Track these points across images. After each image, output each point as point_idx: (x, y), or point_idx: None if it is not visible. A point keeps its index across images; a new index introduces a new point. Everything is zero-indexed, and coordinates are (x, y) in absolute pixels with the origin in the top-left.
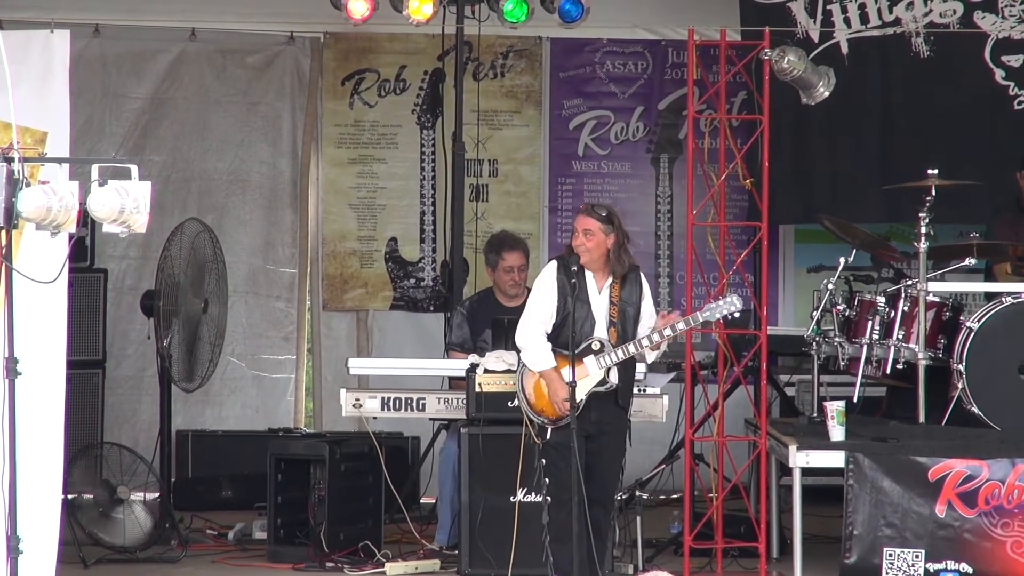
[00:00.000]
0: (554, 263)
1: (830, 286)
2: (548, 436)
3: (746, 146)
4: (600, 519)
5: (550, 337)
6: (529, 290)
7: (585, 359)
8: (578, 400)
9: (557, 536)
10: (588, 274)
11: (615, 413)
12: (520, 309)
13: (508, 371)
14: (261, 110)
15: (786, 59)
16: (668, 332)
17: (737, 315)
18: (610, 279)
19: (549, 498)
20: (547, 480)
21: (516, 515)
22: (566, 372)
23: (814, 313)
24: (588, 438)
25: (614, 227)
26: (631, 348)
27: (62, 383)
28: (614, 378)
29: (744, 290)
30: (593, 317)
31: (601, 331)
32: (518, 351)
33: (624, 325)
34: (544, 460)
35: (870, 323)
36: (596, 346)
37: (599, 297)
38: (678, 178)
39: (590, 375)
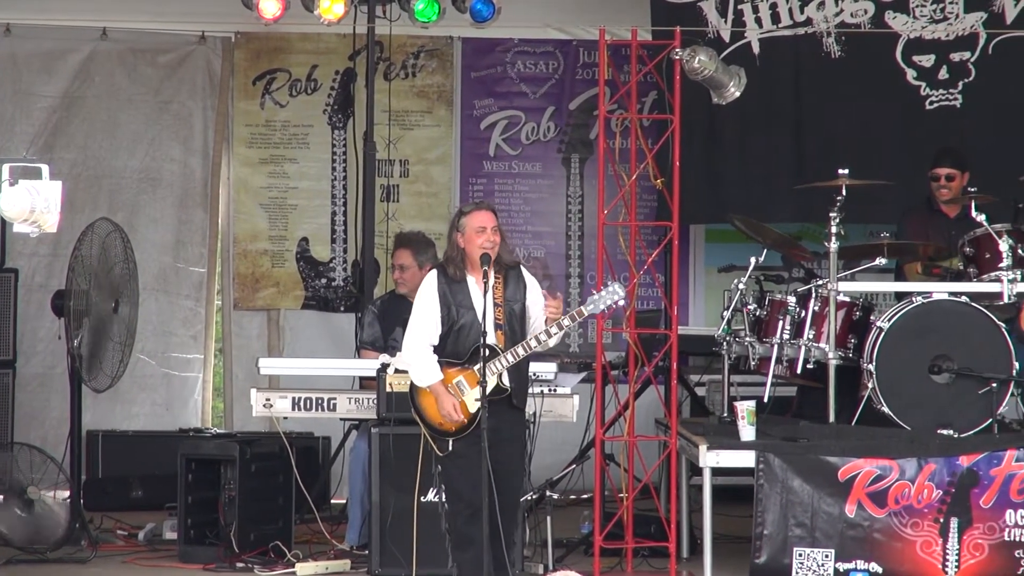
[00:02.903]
0: (434, 273)
1: (741, 286)
2: (451, 447)
3: (657, 146)
4: (508, 526)
5: (437, 348)
6: None
7: (475, 367)
8: (472, 411)
9: (457, 544)
10: (470, 279)
11: (512, 418)
12: None
13: None
14: (173, 109)
15: (697, 59)
16: (554, 330)
17: (621, 303)
18: (491, 280)
19: (447, 505)
20: (443, 487)
21: (415, 514)
22: (459, 382)
23: (725, 313)
24: (488, 446)
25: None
26: (520, 351)
27: None
28: (507, 382)
29: (655, 290)
30: (480, 322)
31: (489, 336)
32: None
33: (512, 325)
34: (440, 467)
35: (781, 323)
36: (485, 352)
37: (483, 301)
38: (589, 178)
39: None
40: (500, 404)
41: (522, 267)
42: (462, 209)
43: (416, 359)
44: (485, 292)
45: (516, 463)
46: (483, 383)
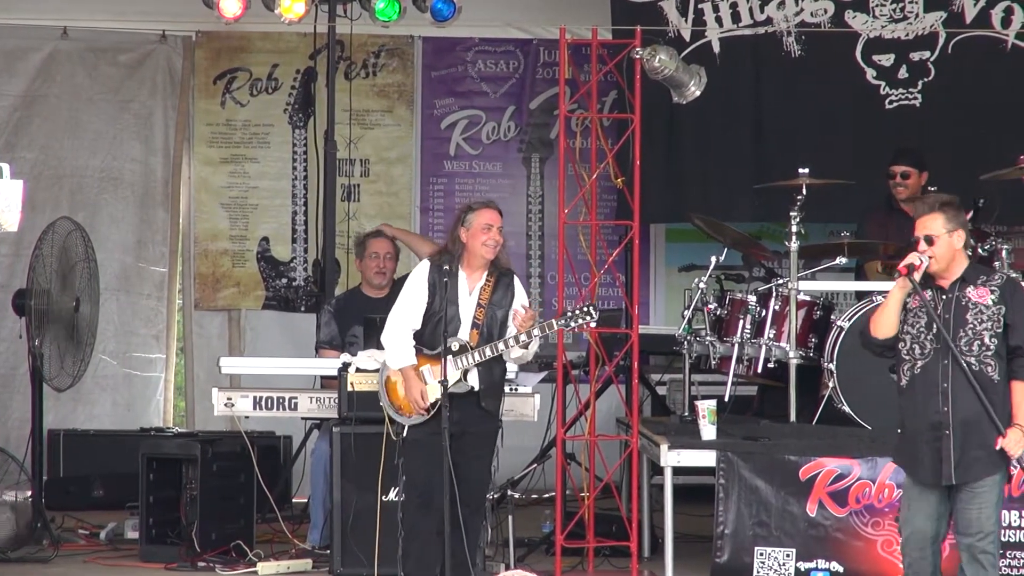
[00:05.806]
0: (427, 263)
1: (701, 285)
2: (405, 433)
3: (617, 145)
4: (467, 519)
5: (416, 335)
6: (396, 282)
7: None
8: (433, 400)
9: (406, 535)
10: (462, 275)
11: (478, 415)
12: (387, 300)
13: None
14: (133, 108)
15: (657, 58)
16: (524, 338)
17: (594, 324)
18: (482, 281)
19: (403, 496)
20: (403, 478)
21: (385, 514)
22: (426, 371)
23: (685, 312)
24: (451, 438)
25: None
26: (488, 351)
27: None
28: (472, 380)
29: (616, 289)
30: (459, 318)
31: (464, 333)
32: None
33: (489, 328)
34: (403, 458)
35: (741, 322)
36: (455, 347)
37: (468, 299)
38: (549, 178)
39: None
40: (467, 400)
41: (515, 277)
42: (470, 205)
43: (394, 342)
44: (451, 286)
45: (482, 459)
46: (443, 381)
